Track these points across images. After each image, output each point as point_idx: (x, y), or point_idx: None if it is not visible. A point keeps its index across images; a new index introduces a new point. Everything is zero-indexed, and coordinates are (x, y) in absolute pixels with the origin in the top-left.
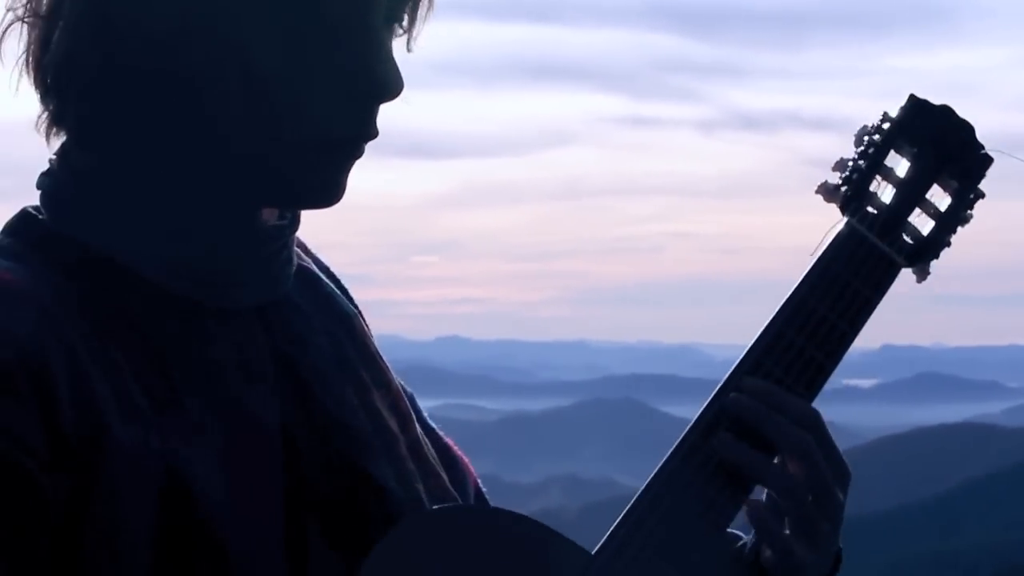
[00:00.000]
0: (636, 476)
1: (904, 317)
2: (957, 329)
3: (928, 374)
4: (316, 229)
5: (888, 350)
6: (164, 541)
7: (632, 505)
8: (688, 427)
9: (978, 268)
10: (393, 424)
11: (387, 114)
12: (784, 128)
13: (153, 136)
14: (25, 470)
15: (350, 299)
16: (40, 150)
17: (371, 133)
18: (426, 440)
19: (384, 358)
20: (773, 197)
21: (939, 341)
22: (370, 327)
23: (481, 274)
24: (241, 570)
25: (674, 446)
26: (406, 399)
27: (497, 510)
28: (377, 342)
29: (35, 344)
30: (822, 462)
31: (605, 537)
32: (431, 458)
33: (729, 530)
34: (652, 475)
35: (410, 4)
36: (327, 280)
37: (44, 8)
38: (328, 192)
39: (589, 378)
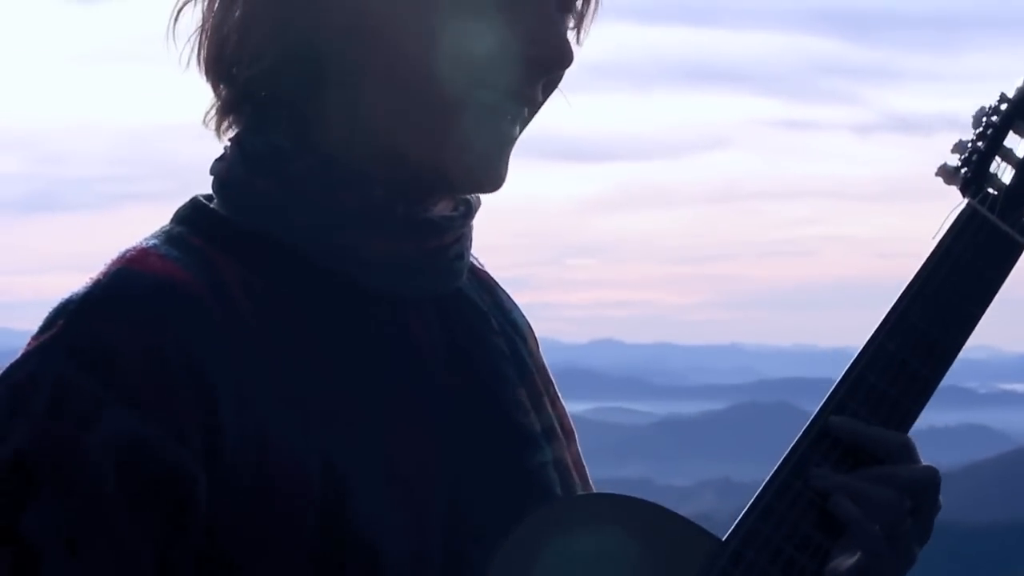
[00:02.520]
0: None
1: None
2: None
3: None
4: (474, 231)
5: None
6: (320, 542)
7: (758, 495)
8: (809, 422)
9: None
10: (561, 435)
11: (542, 117)
12: (940, 131)
13: (325, 119)
14: (183, 466)
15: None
16: (201, 153)
17: (535, 97)
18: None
19: (552, 375)
20: (929, 201)
21: None
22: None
23: (636, 277)
24: (395, 563)
25: (799, 435)
26: (570, 418)
27: (630, 498)
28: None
29: (197, 341)
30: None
31: (733, 526)
32: (588, 476)
33: None
34: (780, 461)
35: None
36: (503, 290)
37: None
38: (491, 169)
39: (743, 381)
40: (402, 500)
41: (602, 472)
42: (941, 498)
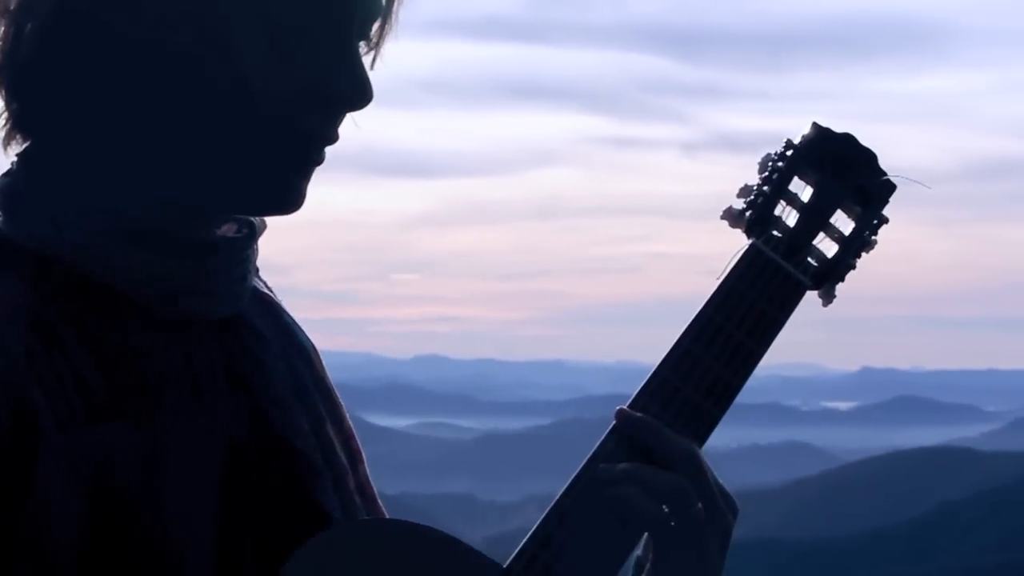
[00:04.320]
0: None
1: (882, 340)
2: (935, 352)
3: (906, 397)
4: (299, 246)
5: (866, 373)
6: (93, 552)
7: (543, 519)
8: (599, 442)
9: (957, 291)
10: (343, 459)
11: (370, 132)
12: (767, 149)
13: (117, 138)
14: None
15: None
16: None
17: (334, 136)
18: (373, 485)
19: (339, 396)
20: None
21: (917, 364)
22: (351, 344)
23: (461, 293)
24: None
25: (584, 461)
26: (357, 440)
27: (412, 524)
28: (355, 359)
29: None
30: (712, 481)
31: (515, 553)
32: (378, 500)
33: None
34: (562, 490)
35: (379, 23)
36: (287, 312)
37: (13, 3)
38: (288, 196)
39: (567, 397)
40: (177, 524)
41: (426, 487)
42: (763, 515)
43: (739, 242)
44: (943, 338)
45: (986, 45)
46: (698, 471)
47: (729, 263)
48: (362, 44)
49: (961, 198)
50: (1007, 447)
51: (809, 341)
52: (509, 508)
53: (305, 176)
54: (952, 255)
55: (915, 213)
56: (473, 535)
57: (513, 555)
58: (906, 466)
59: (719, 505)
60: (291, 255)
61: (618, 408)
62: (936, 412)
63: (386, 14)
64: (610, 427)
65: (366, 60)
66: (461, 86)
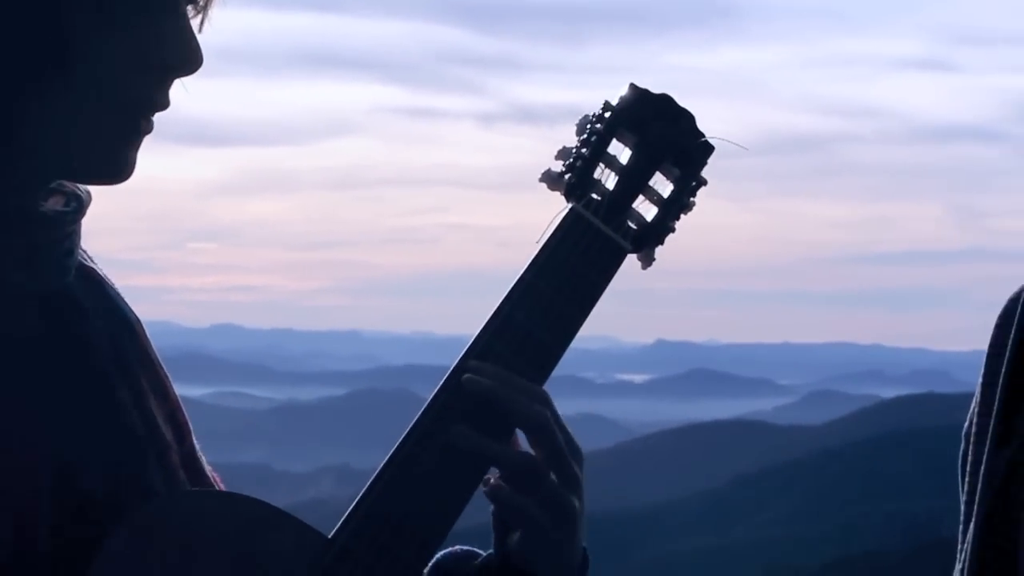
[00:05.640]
0: None
1: (677, 312)
2: (730, 326)
3: (701, 370)
4: (93, 213)
5: (661, 345)
6: None
7: (367, 490)
8: (421, 412)
9: (752, 265)
10: (168, 433)
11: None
12: (564, 122)
13: None
14: None
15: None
16: None
17: (165, 103)
18: (203, 456)
19: (165, 368)
20: (552, 191)
21: (712, 337)
22: (148, 312)
23: (257, 262)
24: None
25: (407, 431)
26: (184, 412)
27: (233, 495)
28: (152, 328)
29: None
30: (560, 435)
31: (340, 522)
32: (205, 472)
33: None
34: (384, 461)
35: None
36: (112, 285)
37: None
38: (118, 165)
39: (363, 368)
40: (4, 491)
41: (220, 457)
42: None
43: (543, 210)
44: (738, 311)
45: (781, 20)
46: (555, 411)
47: (548, 227)
48: (190, 8)
49: (757, 172)
50: (800, 420)
51: (603, 313)
52: (304, 478)
53: (135, 144)
54: (748, 228)
55: (711, 187)
56: None
57: (337, 526)
58: (701, 439)
59: (571, 465)
60: (85, 222)
61: (466, 376)
62: (730, 385)
63: None
64: (437, 389)
65: (194, 23)
66: (258, 55)
